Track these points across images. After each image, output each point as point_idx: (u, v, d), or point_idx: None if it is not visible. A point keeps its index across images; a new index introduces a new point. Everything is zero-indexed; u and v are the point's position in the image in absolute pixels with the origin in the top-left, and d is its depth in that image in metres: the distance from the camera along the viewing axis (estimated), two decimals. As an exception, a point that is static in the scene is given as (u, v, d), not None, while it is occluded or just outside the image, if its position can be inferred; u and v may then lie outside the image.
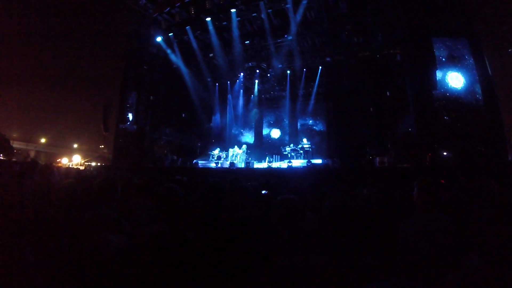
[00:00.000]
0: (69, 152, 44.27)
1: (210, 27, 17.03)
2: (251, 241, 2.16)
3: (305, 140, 17.63)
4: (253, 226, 2.57)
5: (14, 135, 40.83)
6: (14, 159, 15.59)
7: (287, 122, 23.36)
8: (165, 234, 1.78)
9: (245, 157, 17.63)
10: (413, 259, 2.15)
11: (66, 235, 2.25)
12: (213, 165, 17.62)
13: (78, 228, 2.36)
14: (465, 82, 11.49)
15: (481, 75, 11.36)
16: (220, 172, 14.60)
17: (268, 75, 21.51)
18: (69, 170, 12.17)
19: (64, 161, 34.59)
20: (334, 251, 1.66)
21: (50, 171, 5.04)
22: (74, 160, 34.39)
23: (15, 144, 37.45)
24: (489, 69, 11.56)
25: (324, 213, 1.85)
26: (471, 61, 11.56)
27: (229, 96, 23.41)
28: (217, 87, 23.12)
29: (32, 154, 41.25)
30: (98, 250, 2.10)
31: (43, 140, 48.38)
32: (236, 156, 17.63)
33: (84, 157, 37.00)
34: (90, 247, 2.11)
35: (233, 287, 1.88)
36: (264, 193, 4.64)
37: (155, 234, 2.10)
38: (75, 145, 51.29)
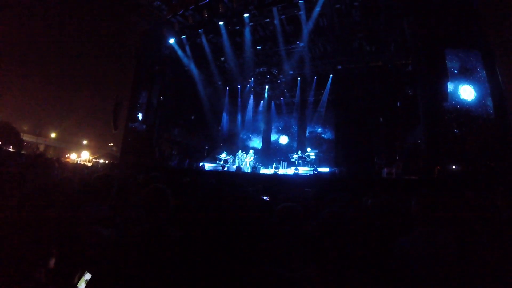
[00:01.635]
0: (78, 148, 44.77)
1: (223, 31, 17.09)
2: (242, 246, 2.12)
3: (309, 149, 17.53)
4: (248, 231, 2.52)
5: (25, 128, 41.38)
6: (23, 152, 15.74)
7: (295, 128, 23.33)
8: (151, 233, 1.76)
9: (252, 163, 17.62)
10: (409, 275, 2.09)
11: (59, 227, 2.26)
12: (219, 168, 17.62)
13: (71, 221, 2.36)
14: (476, 95, 11.34)
15: (493, 89, 11.19)
16: (225, 175, 14.58)
17: (279, 81, 21.48)
18: (73, 166, 12.23)
19: (73, 156, 34.93)
20: (326, 263, 1.61)
21: (51, 164, 5.05)
22: (83, 156, 34.70)
23: (25, 137, 37.96)
24: (501, 83, 11.41)
25: (319, 222, 1.80)
26: (484, 74, 11.40)
27: (239, 100, 23.44)
28: (227, 90, 23.20)
29: (41, 148, 41.73)
30: (86, 241, 2.10)
31: (53, 135, 48.94)
32: (244, 160, 17.63)
33: (92, 153, 37.33)
34: (79, 238, 2.11)
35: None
36: (264, 199, 4.61)
37: (142, 232, 2.08)
38: (84, 142, 51.86)
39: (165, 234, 2.02)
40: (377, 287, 1.57)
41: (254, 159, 18.06)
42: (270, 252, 2.14)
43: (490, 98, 11.18)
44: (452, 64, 11.71)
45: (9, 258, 1.91)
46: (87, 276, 1.81)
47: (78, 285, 1.84)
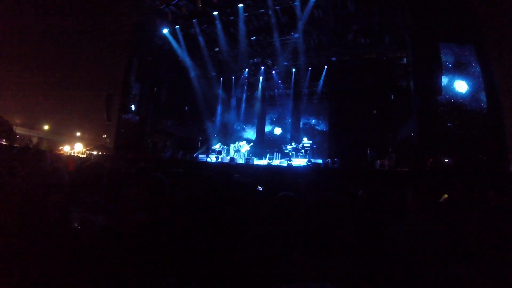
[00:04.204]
0: (72, 140, 44.44)
1: (217, 21, 16.93)
2: (235, 235, 2.13)
3: (305, 139, 17.53)
4: (240, 221, 2.53)
5: (18, 121, 41.03)
6: (16, 145, 15.62)
7: (289, 120, 23.32)
8: (147, 222, 1.76)
9: (246, 154, 17.62)
10: (400, 262, 2.11)
11: (52, 218, 2.25)
12: (213, 159, 17.59)
13: (63, 210, 2.34)
14: (470, 89, 11.41)
15: (486, 83, 11.28)
16: (218, 166, 14.58)
17: (273, 72, 21.41)
18: (66, 157, 12.16)
19: (66, 148, 34.69)
20: (316, 250, 1.61)
21: (44, 156, 5.02)
22: (76, 148, 34.48)
23: (18, 130, 37.65)
24: (495, 78, 11.48)
25: (306, 209, 1.79)
26: (478, 68, 11.48)
27: (233, 92, 23.36)
28: (221, 81, 23.05)
29: (34, 140, 41.45)
30: (79, 229, 2.10)
31: (46, 127, 48.55)
32: (238, 151, 17.63)
33: (86, 145, 37.10)
34: (72, 226, 2.11)
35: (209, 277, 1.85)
36: (259, 190, 4.62)
37: (137, 221, 2.08)
38: (78, 134, 51.54)
39: (161, 222, 2.02)
40: (367, 270, 1.58)
41: (249, 149, 18.04)
42: (262, 238, 2.14)
43: (483, 93, 11.27)
44: (447, 58, 11.77)
45: (2, 251, 1.89)
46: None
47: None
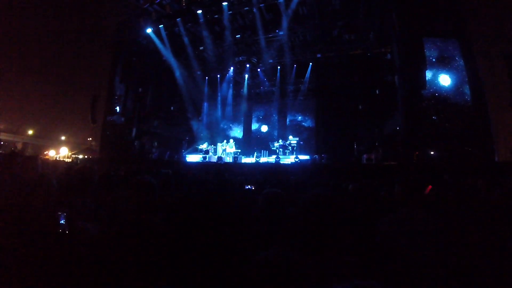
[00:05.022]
0: (57, 144, 43.64)
1: (201, 19, 16.82)
2: (227, 234, 2.12)
3: (291, 137, 17.58)
4: (233, 219, 2.52)
5: (1, 127, 40.21)
6: (0, 151, 15.31)
7: (276, 117, 23.36)
8: (138, 224, 1.74)
9: (234, 152, 17.58)
10: (391, 255, 2.13)
11: (42, 224, 2.21)
12: (200, 159, 17.51)
13: (54, 218, 2.30)
14: (454, 82, 11.59)
15: (470, 77, 11.47)
16: (206, 166, 14.54)
17: (258, 69, 21.38)
18: (54, 162, 11.97)
19: (52, 153, 34.07)
20: (310, 246, 1.61)
21: (35, 162, 4.95)
22: (62, 153, 33.88)
23: (2, 136, 36.90)
24: (478, 71, 11.67)
25: (306, 206, 1.79)
26: (461, 62, 11.67)
27: (219, 90, 23.26)
28: (206, 80, 22.92)
29: (19, 146, 40.66)
30: (72, 236, 2.06)
31: (30, 132, 47.62)
32: (225, 150, 17.58)
33: (71, 149, 36.50)
34: (65, 233, 2.07)
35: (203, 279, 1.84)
36: (248, 188, 4.62)
37: (128, 223, 2.06)
38: (63, 137, 50.65)
39: (152, 225, 2.00)
40: (360, 263, 1.58)
41: (235, 148, 18.00)
42: (254, 237, 2.14)
43: (467, 86, 11.46)
44: (431, 53, 11.95)
45: None
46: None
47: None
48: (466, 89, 11.39)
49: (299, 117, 22.63)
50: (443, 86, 11.63)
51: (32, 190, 2.62)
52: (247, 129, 24.33)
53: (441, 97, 11.58)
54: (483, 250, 2.13)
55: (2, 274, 1.80)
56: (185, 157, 18.78)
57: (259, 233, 2.25)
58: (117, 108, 18.59)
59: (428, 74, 11.68)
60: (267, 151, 18.75)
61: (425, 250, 2.11)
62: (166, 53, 19.33)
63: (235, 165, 15.01)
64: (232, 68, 21.56)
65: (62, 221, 2.19)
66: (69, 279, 1.77)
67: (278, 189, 2.59)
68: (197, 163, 16.40)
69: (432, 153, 11.33)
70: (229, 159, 16.60)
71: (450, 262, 2.04)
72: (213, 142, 19.51)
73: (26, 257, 1.88)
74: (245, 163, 16.38)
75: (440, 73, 11.75)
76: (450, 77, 11.67)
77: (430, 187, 3.90)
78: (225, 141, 18.33)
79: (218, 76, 22.60)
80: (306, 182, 4.58)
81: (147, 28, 18.03)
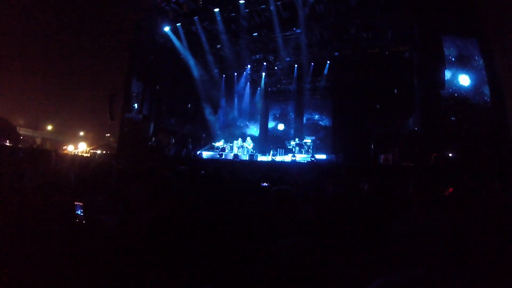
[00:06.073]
0: (75, 140, 44.55)
1: (218, 18, 16.88)
2: (243, 230, 2.15)
3: (307, 138, 17.57)
4: (248, 216, 2.56)
5: (21, 122, 41.24)
6: (20, 146, 15.71)
7: (292, 116, 23.32)
8: (157, 220, 1.78)
9: (250, 151, 17.65)
10: (405, 256, 2.13)
11: (62, 217, 2.27)
12: (217, 156, 17.62)
13: (73, 212, 2.36)
14: (473, 83, 11.36)
15: (490, 77, 11.21)
16: (223, 163, 14.61)
17: (275, 68, 21.34)
18: (71, 157, 12.22)
19: (70, 148, 34.81)
20: (329, 244, 1.64)
21: (49, 156, 5.06)
22: (80, 148, 34.57)
23: (22, 131, 37.86)
24: (498, 71, 11.41)
25: (321, 204, 1.82)
26: (481, 62, 11.40)
27: (235, 88, 23.33)
28: (223, 78, 22.99)
29: (38, 141, 41.59)
30: (90, 230, 2.11)
31: (49, 128, 48.70)
32: (242, 147, 17.66)
33: (89, 145, 37.17)
34: (83, 227, 2.12)
35: (220, 274, 1.88)
36: (264, 185, 4.64)
37: (147, 219, 2.11)
38: (81, 133, 51.63)
39: (170, 220, 2.04)
40: (374, 259, 1.60)
41: (252, 146, 18.06)
42: (266, 231, 2.18)
43: (487, 86, 11.20)
44: (450, 52, 11.69)
45: (11, 256, 1.91)
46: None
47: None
48: (486, 89, 11.12)
49: (316, 116, 22.53)
50: (462, 86, 11.39)
51: (49, 184, 2.69)
52: (263, 127, 24.36)
53: (460, 97, 11.35)
54: (500, 252, 2.11)
55: (19, 265, 1.85)
56: (201, 154, 18.91)
57: (271, 228, 2.28)
58: (135, 106, 18.84)
59: (447, 74, 11.46)
60: (283, 150, 18.73)
61: (439, 251, 2.11)
62: (183, 51, 19.47)
63: (251, 163, 15.07)
64: (249, 66, 21.55)
65: (79, 212, 2.25)
66: (85, 270, 1.83)
67: (288, 186, 2.62)
68: (213, 160, 16.51)
69: (450, 155, 11.15)
70: (245, 157, 16.66)
71: (465, 264, 2.03)
72: (229, 140, 19.59)
73: (43, 248, 1.94)
74: (261, 161, 16.41)
75: (460, 73, 11.50)
76: (469, 77, 11.42)
77: (451, 189, 3.87)
78: (240, 139, 18.40)
79: (235, 74, 22.63)
80: (321, 181, 4.58)
81: (164, 26, 18.19)
